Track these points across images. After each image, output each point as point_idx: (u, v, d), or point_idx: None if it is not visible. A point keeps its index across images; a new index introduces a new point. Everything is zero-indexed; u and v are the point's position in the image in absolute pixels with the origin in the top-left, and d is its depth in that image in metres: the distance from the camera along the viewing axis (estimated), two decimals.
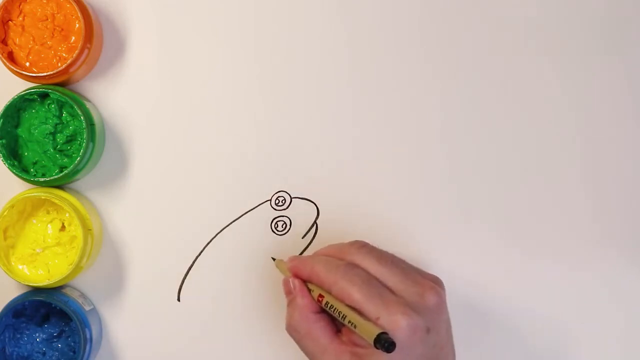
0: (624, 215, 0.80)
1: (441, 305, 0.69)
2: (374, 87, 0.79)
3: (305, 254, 0.79)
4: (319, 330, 0.69)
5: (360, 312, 0.67)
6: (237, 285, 0.78)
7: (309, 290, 0.70)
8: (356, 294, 0.67)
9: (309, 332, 0.69)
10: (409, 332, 0.66)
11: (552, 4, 0.79)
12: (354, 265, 0.69)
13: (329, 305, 0.68)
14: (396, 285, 0.68)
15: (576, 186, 0.79)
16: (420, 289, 0.68)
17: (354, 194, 0.79)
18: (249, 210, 0.79)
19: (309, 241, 0.79)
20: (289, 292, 0.71)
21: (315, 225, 0.79)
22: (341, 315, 0.67)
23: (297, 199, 0.79)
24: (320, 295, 0.69)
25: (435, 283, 0.69)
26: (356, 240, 0.72)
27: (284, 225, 0.79)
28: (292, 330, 0.70)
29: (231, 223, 0.78)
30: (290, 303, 0.70)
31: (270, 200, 0.79)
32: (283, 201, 0.79)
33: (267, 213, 0.79)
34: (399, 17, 0.79)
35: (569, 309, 0.79)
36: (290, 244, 0.79)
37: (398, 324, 0.66)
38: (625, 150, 0.80)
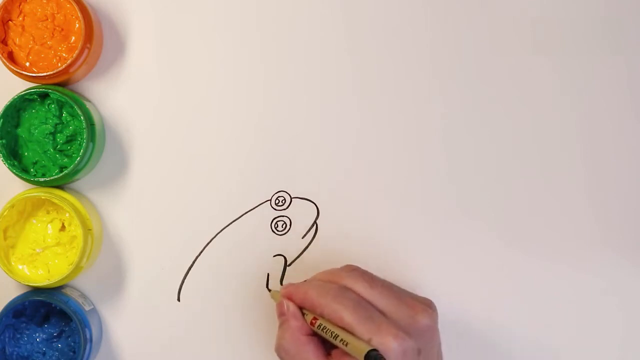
0: (624, 216, 0.79)
1: (432, 327, 0.69)
2: (374, 88, 0.79)
3: (305, 254, 0.79)
4: (310, 352, 0.69)
5: (352, 335, 0.67)
6: (237, 285, 0.78)
7: (303, 314, 0.70)
8: (347, 317, 0.67)
9: (298, 353, 0.69)
10: (400, 354, 0.66)
11: (552, 4, 0.79)
12: (345, 289, 0.69)
13: (322, 327, 0.68)
14: (387, 307, 0.68)
15: (576, 186, 0.79)
16: (412, 311, 0.68)
17: (354, 194, 0.79)
18: (249, 210, 0.79)
19: (309, 241, 0.79)
20: (281, 314, 0.71)
21: (315, 225, 0.79)
22: (333, 335, 0.67)
23: (297, 199, 0.79)
24: (314, 318, 0.69)
25: (427, 305, 0.69)
26: (347, 265, 0.72)
27: (284, 225, 0.79)
28: (281, 351, 0.70)
29: (231, 223, 0.78)
30: (282, 325, 0.70)
31: (270, 200, 0.79)
32: (283, 201, 0.79)
33: (267, 213, 0.79)
34: (400, 16, 0.79)
35: (569, 309, 0.79)
36: (290, 244, 0.79)
37: (389, 346, 0.65)
38: (625, 150, 0.79)
